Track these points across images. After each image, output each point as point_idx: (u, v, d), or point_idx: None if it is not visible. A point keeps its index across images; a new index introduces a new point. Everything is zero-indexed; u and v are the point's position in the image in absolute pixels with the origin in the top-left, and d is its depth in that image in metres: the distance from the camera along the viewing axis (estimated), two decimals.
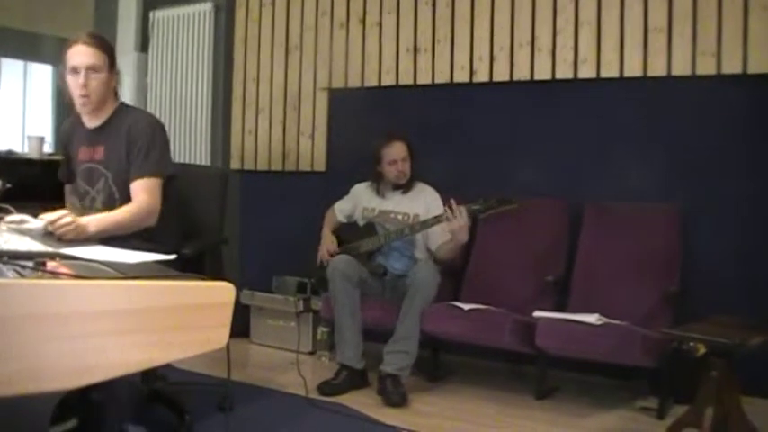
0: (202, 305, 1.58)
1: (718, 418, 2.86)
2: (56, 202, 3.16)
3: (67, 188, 3.22)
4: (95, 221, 2.61)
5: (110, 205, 2.90)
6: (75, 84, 2.90)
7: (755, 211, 4.03)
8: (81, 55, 2.88)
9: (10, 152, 5.12)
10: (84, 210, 3.01)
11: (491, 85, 4.70)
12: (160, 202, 2.91)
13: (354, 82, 5.18)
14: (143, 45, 5.93)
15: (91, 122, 3.02)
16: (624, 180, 4.31)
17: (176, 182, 3.09)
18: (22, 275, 1.48)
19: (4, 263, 1.58)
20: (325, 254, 4.29)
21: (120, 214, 2.77)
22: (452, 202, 3.93)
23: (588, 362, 3.86)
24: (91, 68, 2.87)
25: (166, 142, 3.04)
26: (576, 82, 4.45)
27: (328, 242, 4.35)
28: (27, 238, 2.07)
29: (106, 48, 2.93)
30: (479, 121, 4.78)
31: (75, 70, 2.89)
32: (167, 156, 3.02)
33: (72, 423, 2.33)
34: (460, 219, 3.90)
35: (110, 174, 2.96)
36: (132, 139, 2.93)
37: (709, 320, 3.16)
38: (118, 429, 2.47)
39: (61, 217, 2.34)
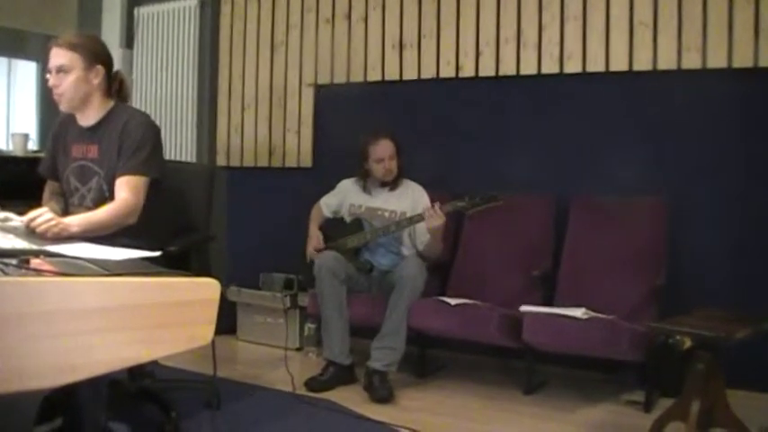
0: (188, 302, 1.58)
1: (703, 411, 2.87)
2: (41, 199, 3.14)
3: (49, 185, 3.20)
4: (78, 220, 2.60)
5: (100, 203, 2.89)
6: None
7: (741, 204, 4.05)
8: (52, 57, 2.92)
9: None
10: (73, 208, 3.00)
11: (477, 80, 4.71)
12: (143, 200, 2.90)
13: (340, 78, 5.18)
14: (128, 42, 5.90)
15: (84, 121, 3.01)
16: (610, 174, 4.32)
17: (165, 183, 3.07)
18: (5, 273, 1.47)
19: None
20: (312, 251, 4.30)
21: (102, 213, 2.75)
22: (437, 205, 3.95)
23: (575, 356, 3.87)
24: (60, 69, 2.90)
25: (158, 143, 3.02)
26: (561, 77, 4.46)
27: (314, 240, 4.35)
28: (11, 236, 2.05)
29: (80, 47, 2.91)
30: (465, 116, 4.79)
31: (49, 72, 2.94)
32: (156, 157, 2.99)
33: (57, 422, 2.32)
34: (437, 219, 3.92)
35: (102, 172, 2.96)
36: (123, 137, 2.93)
37: (695, 314, 3.17)
38: (102, 427, 2.46)
39: (41, 214, 2.32)
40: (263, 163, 5.50)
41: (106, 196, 2.93)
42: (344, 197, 4.44)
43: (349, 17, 5.13)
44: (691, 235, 4.13)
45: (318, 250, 4.26)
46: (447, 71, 4.79)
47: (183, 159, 5.55)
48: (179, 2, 5.66)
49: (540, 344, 3.77)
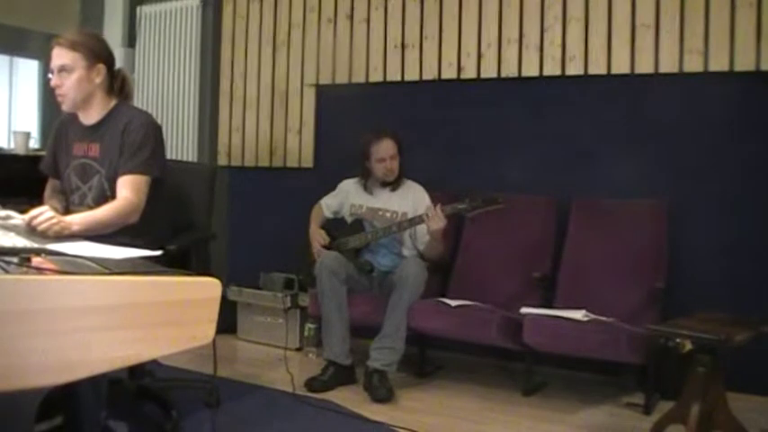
0: (188, 301, 1.57)
1: (703, 414, 2.87)
2: (42, 198, 3.14)
3: (51, 182, 3.20)
4: (79, 219, 2.59)
5: (101, 202, 2.89)
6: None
7: (741, 207, 4.06)
8: (54, 57, 2.93)
9: None
10: (73, 206, 3.00)
11: (479, 81, 4.71)
12: (144, 199, 2.90)
13: (342, 78, 5.18)
14: (130, 41, 5.90)
15: (86, 119, 3.02)
16: (611, 177, 4.32)
17: (166, 182, 3.08)
18: (6, 271, 1.47)
19: None
20: (318, 248, 4.28)
21: (104, 212, 2.76)
22: (438, 207, 3.94)
23: (575, 358, 3.87)
24: (62, 69, 2.91)
25: (159, 143, 3.03)
26: (563, 79, 4.46)
27: (318, 236, 4.34)
28: (12, 234, 2.05)
29: (81, 46, 2.92)
30: (467, 117, 4.78)
31: (51, 71, 2.95)
32: (158, 157, 3.00)
33: (57, 420, 2.32)
34: (439, 221, 3.91)
35: (103, 171, 2.96)
36: (125, 136, 2.94)
37: (695, 317, 3.17)
38: (102, 426, 2.46)
39: (42, 212, 2.32)
40: (264, 163, 5.50)
41: (107, 195, 2.93)
42: (345, 197, 4.44)
43: (351, 17, 5.13)
44: (691, 238, 4.13)
45: (324, 246, 4.26)
46: (449, 72, 4.79)
47: (185, 159, 5.55)
48: (181, 1, 5.66)
49: (540, 345, 3.77)
